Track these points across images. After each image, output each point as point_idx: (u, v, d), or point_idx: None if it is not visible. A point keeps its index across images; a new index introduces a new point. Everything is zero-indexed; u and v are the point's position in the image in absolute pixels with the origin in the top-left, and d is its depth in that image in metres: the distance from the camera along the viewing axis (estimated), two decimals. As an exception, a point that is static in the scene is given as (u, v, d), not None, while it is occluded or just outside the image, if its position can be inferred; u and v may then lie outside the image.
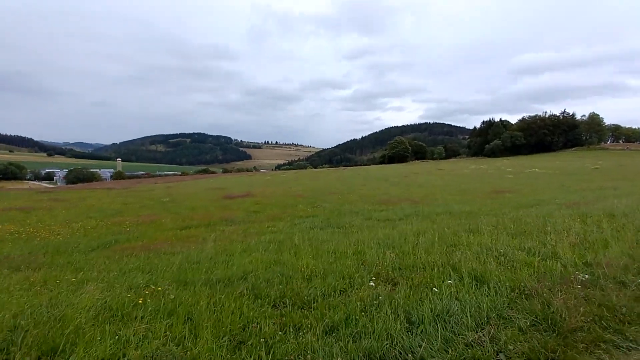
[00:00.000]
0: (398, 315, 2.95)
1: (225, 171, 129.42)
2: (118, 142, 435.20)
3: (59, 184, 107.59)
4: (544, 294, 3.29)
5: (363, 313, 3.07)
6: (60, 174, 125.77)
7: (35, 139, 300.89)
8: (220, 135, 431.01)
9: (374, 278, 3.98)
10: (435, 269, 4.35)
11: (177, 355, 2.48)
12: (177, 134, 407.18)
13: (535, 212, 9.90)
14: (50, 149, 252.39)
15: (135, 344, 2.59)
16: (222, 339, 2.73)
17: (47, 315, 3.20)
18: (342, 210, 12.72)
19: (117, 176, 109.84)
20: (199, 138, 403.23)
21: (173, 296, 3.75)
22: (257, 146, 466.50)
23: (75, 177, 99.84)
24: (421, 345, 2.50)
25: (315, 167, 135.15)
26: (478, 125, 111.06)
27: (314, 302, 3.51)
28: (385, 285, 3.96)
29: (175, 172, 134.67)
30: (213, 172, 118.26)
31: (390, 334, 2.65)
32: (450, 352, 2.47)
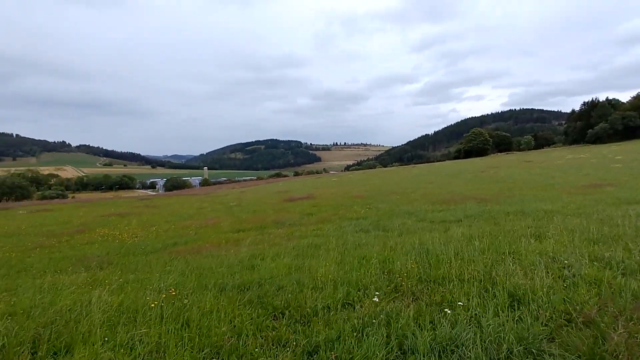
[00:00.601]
0: (391, 340, 2.53)
1: (296, 174, 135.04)
2: (205, 153, 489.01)
3: (159, 191, 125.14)
4: (602, 324, 2.48)
5: (355, 334, 2.71)
6: (160, 182, 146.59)
7: (142, 154, 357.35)
8: (291, 140, 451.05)
9: (377, 293, 3.53)
10: (469, 283, 3.69)
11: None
12: (252, 142, 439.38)
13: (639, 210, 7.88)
14: (153, 162, 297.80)
15: (125, 350, 2.70)
16: (202, 351, 2.69)
17: (77, 313, 3.59)
18: (396, 211, 12.00)
19: (204, 183, 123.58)
20: (272, 144, 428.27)
21: (187, 300, 3.89)
22: (326, 148, 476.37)
23: (172, 185, 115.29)
24: (403, 382, 2.07)
25: (385, 166, 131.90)
26: (577, 108, 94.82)
27: (314, 316, 3.25)
28: (402, 300, 3.49)
29: (252, 177, 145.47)
30: (285, 176, 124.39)
31: (371, 364, 2.26)
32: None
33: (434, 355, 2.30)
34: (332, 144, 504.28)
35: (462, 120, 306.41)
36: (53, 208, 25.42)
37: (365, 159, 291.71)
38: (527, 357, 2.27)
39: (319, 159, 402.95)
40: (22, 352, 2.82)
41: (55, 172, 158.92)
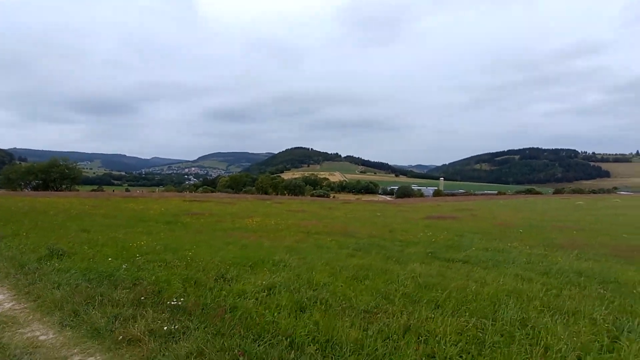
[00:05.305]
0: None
1: (556, 192, 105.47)
2: (447, 163, 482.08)
3: (395, 197, 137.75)
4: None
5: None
6: (396, 190, 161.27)
7: (390, 163, 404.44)
8: (560, 149, 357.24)
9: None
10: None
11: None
12: (504, 152, 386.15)
13: None
14: (397, 171, 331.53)
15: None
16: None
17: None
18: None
19: (436, 194, 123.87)
20: (531, 153, 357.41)
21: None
22: (621, 159, 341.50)
23: (402, 193, 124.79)
24: None
25: None
26: None
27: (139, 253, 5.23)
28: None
29: (492, 192, 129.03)
30: (537, 193, 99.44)
31: None
32: None
33: None
34: (633, 153, 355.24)
35: None
36: (283, 202, 36.30)
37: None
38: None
39: (605, 174, 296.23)
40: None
41: (327, 177, 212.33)
